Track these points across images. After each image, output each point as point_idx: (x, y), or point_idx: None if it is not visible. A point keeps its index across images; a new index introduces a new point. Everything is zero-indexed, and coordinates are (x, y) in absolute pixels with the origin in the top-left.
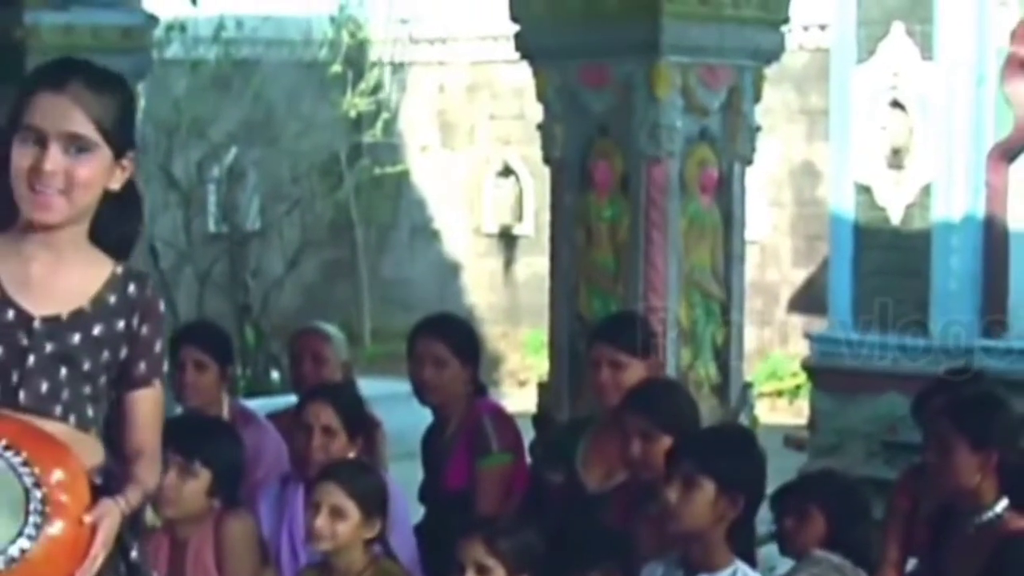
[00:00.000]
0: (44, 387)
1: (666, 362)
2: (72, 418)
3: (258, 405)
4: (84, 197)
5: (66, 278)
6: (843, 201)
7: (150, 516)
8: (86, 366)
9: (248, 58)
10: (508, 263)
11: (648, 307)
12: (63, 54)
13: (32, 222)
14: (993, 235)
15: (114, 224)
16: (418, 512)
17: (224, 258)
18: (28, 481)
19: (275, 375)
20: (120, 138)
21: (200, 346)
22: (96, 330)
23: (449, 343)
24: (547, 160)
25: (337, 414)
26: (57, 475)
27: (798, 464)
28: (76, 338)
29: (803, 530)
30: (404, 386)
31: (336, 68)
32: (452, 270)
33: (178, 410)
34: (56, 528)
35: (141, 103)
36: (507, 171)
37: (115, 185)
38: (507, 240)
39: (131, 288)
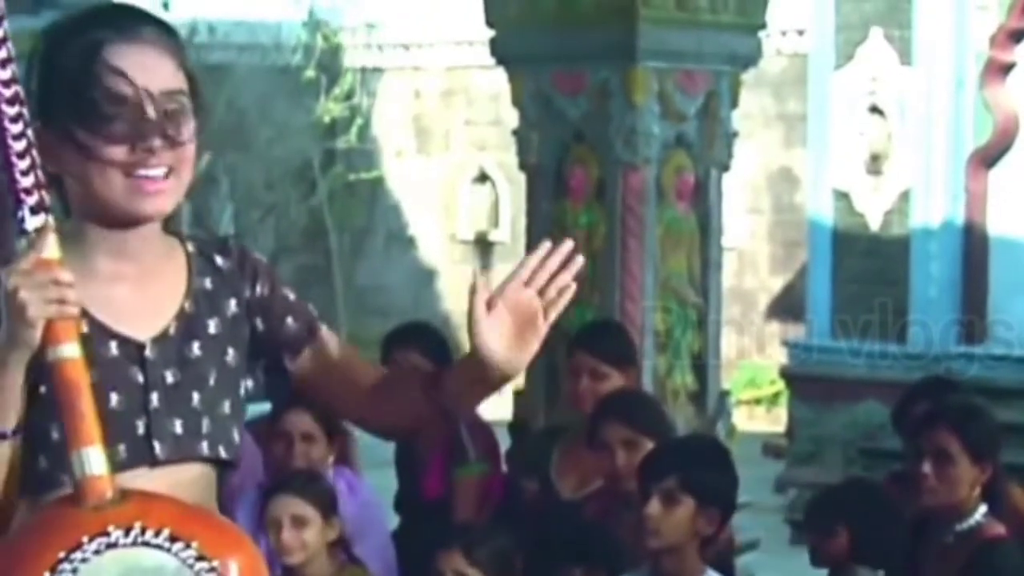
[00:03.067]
0: (178, 427)
1: (642, 370)
2: (221, 449)
3: None
4: (190, 174)
5: (156, 284)
6: (821, 207)
7: None
8: (214, 375)
9: (220, 63)
10: (484, 269)
11: (624, 314)
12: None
13: (131, 218)
14: (973, 241)
15: None
16: (393, 521)
17: None
18: None
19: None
20: (199, 92)
21: None
22: (212, 327)
23: (424, 352)
24: (523, 166)
25: (315, 420)
26: (237, 565)
27: (776, 472)
28: (195, 347)
29: (830, 543)
30: None
31: (309, 73)
32: (427, 277)
33: None
34: None
35: None
36: (483, 177)
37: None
38: (483, 246)
39: (220, 262)
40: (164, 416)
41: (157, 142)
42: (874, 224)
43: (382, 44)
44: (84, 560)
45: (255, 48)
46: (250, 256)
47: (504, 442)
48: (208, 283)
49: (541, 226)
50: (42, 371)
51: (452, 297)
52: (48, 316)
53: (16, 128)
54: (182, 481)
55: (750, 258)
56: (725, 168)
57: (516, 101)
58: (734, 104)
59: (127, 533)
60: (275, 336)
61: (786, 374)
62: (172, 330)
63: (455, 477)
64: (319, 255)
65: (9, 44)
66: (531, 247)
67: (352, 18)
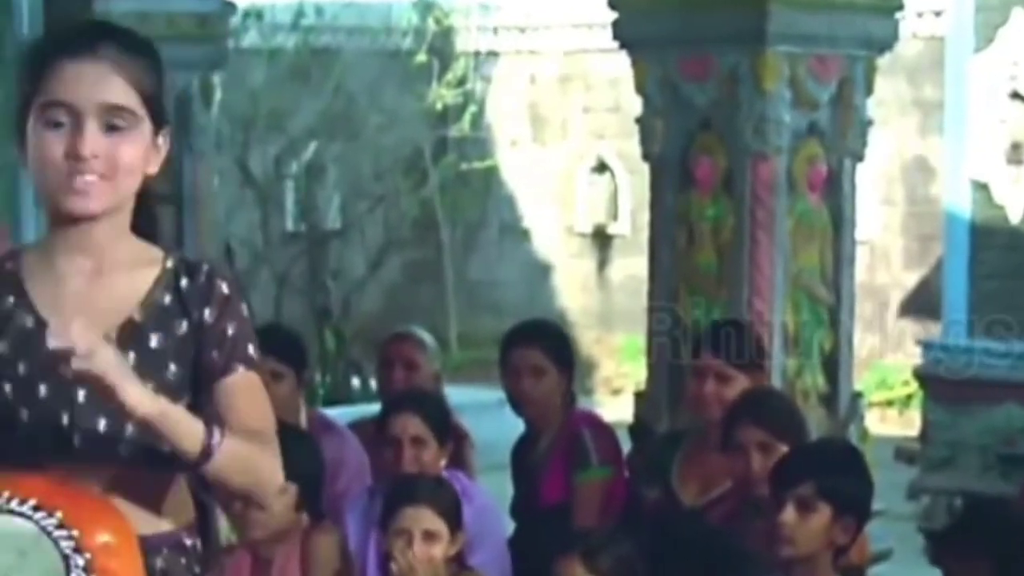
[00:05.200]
0: (102, 425)
1: (771, 370)
2: (142, 458)
3: (338, 414)
4: (128, 182)
5: (109, 286)
6: (958, 199)
7: (225, 531)
8: (151, 388)
9: (328, 47)
10: (602, 264)
11: (753, 312)
12: None
13: (67, 214)
14: None
15: (153, 210)
16: (509, 527)
17: (303, 259)
18: (66, 546)
19: (355, 382)
20: (160, 109)
21: (274, 354)
22: (154, 341)
23: (547, 351)
24: (646, 156)
25: (425, 423)
26: (102, 537)
27: (909, 478)
28: (131, 357)
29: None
30: (492, 394)
31: (421, 58)
32: (543, 272)
33: None
34: None
35: (217, 95)
36: (601, 167)
37: (153, 168)
38: (601, 240)
39: (183, 282)
40: (88, 413)
41: (88, 150)
42: (1014, 217)
43: (496, 27)
44: None
45: (364, 31)
46: (216, 283)
47: (625, 445)
48: (167, 299)
49: (664, 219)
50: None
51: (569, 293)
52: None
53: None
54: (119, 481)
55: (883, 252)
56: (859, 158)
57: (639, 87)
58: (869, 90)
59: None
60: (199, 363)
61: (920, 375)
62: (113, 335)
63: (576, 482)
64: (429, 249)
65: None
66: (654, 241)
67: (465, 0)
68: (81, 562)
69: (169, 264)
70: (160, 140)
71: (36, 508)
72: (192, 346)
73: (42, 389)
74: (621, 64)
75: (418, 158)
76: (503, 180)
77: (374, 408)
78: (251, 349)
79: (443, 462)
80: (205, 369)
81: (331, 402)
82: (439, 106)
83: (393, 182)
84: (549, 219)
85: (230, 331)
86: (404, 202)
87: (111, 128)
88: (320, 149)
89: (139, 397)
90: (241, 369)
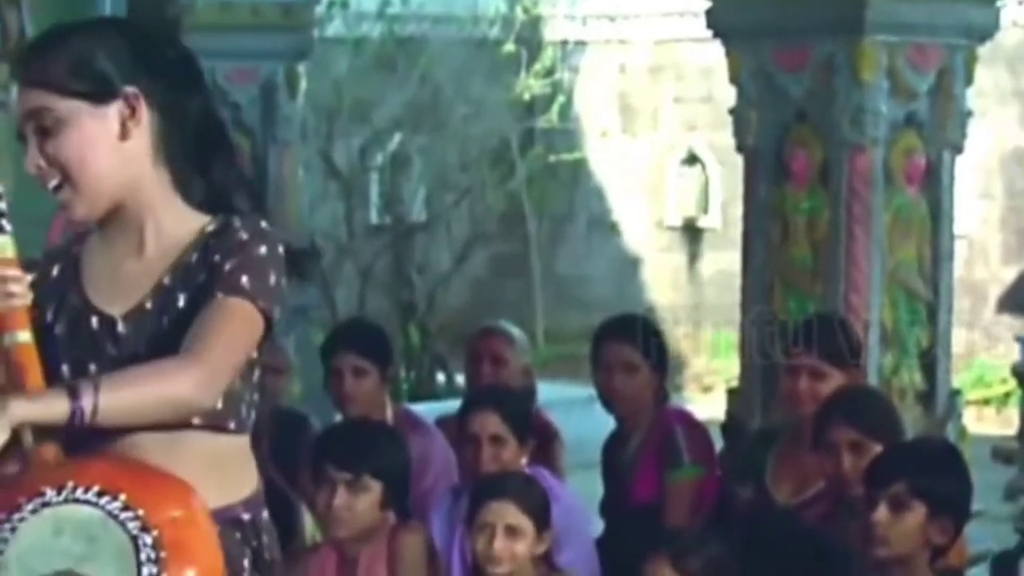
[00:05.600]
0: None
1: (867, 367)
2: (197, 420)
3: (423, 410)
4: (89, 172)
5: (148, 260)
6: None
7: (309, 529)
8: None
9: (414, 36)
10: (692, 258)
11: (848, 308)
12: (219, 33)
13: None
14: None
15: (194, 173)
16: (598, 527)
17: (387, 252)
18: (133, 527)
19: (441, 378)
20: (88, 84)
21: (358, 351)
22: (181, 300)
23: (639, 347)
24: (739, 148)
25: (504, 421)
26: (169, 512)
27: (1006, 478)
28: (164, 321)
29: None
30: (580, 390)
31: (508, 47)
32: (631, 266)
33: (337, 419)
34: (178, 574)
35: (302, 85)
36: (692, 159)
37: (133, 137)
38: (691, 233)
39: (211, 241)
40: None
41: (31, 167)
42: None
43: (586, 16)
44: (22, 519)
45: (451, 20)
46: (237, 232)
47: (717, 444)
48: (194, 258)
49: (758, 212)
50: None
51: (658, 288)
52: None
53: None
54: (171, 459)
55: (981, 247)
56: (958, 150)
57: (733, 78)
58: (968, 80)
59: (59, 492)
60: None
61: (1018, 372)
62: (148, 304)
63: (667, 480)
64: (516, 242)
65: None
66: (747, 235)
67: None
68: (149, 540)
69: (209, 228)
70: (120, 104)
71: (100, 493)
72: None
73: (91, 369)
74: (713, 53)
75: (505, 150)
76: (591, 172)
77: (459, 404)
78: (244, 280)
79: (523, 460)
80: (200, 301)
81: (416, 398)
82: (527, 96)
83: (479, 174)
84: (638, 212)
85: (227, 266)
86: (490, 195)
87: (42, 133)
88: (405, 140)
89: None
90: (219, 295)
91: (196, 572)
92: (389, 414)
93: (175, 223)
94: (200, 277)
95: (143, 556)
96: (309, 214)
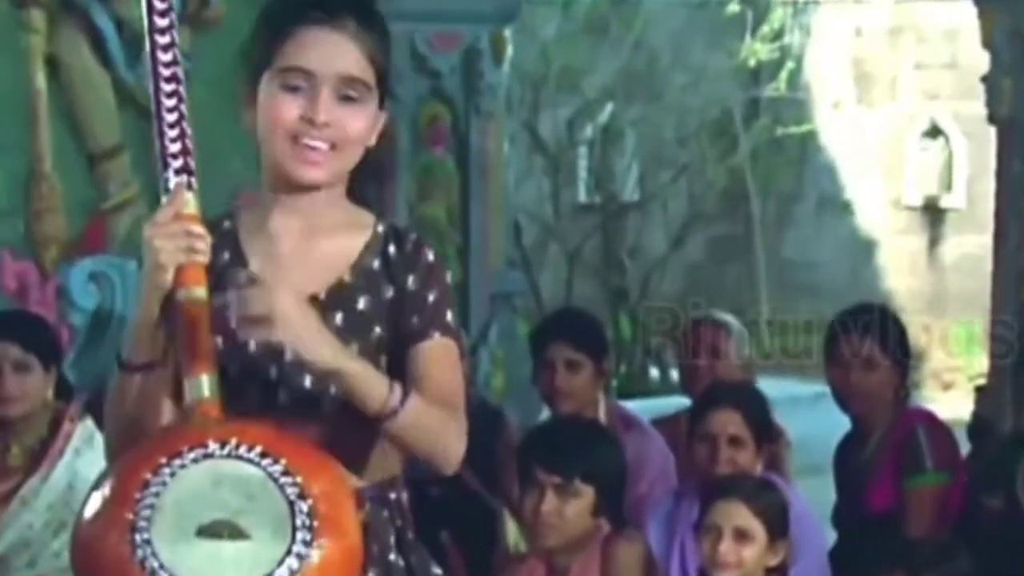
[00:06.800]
0: (307, 381)
1: None
2: (344, 415)
3: (635, 407)
4: (353, 154)
5: (320, 247)
6: None
7: (512, 536)
8: (355, 348)
9: None
10: (933, 242)
11: None
12: None
13: (293, 181)
14: None
15: (373, 178)
16: (830, 536)
17: (597, 234)
18: (291, 492)
19: (654, 372)
20: (386, 84)
21: (572, 342)
22: (362, 303)
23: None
24: (991, 119)
25: (745, 421)
26: (322, 486)
27: None
28: (338, 318)
29: None
30: (806, 387)
31: (732, 8)
32: (866, 249)
33: (544, 415)
34: (326, 546)
35: (508, 51)
36: (934, 131)
37: (372, 141)
38: (933, 214)
39: (391, 249)
40: (295, 370)
41: (322, 117)
42: None
43: None
44: (182, 466)
45: None
46: (422, 251)
47: (963, 447)
48: (376, 264)
49: (1012, 190)
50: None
51: (895, 274)
52: (178, 262)
53: (171, 103)
54: (323, 436)
55: None
56: None
57: (986, 41)
58: None
59: (223, 446)
60: (398, 328)
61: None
62: (323, 296)
63: (907, 487)
64: (738, 223)
65: (174, 31)
66: (999, 215)
67: None
68: (305, 508)
69: (380, 230)
70: (382, 114)
71: (263, 455)
72: (395, 311)
73: (251, 345)
74: (960, 14)
75: (727, 121)
76: (822, 146)
77: (674, 401)
78: (449, 316)
79: (759, 466)
80: (403, 334)
81: (626, 394)
82: (752, 63)
83: (699, 148)
84: (873, 190)
85: (431, 298)
86: (710, 171)
87: (345, 99)
88: (617, 111)
89: (319, 349)
90: (437, 335)
91: (342, 547)
92: (602, 412)
93: (342, 213)
94: (385, 291)
95: (299, 521)
96: (513, 192)
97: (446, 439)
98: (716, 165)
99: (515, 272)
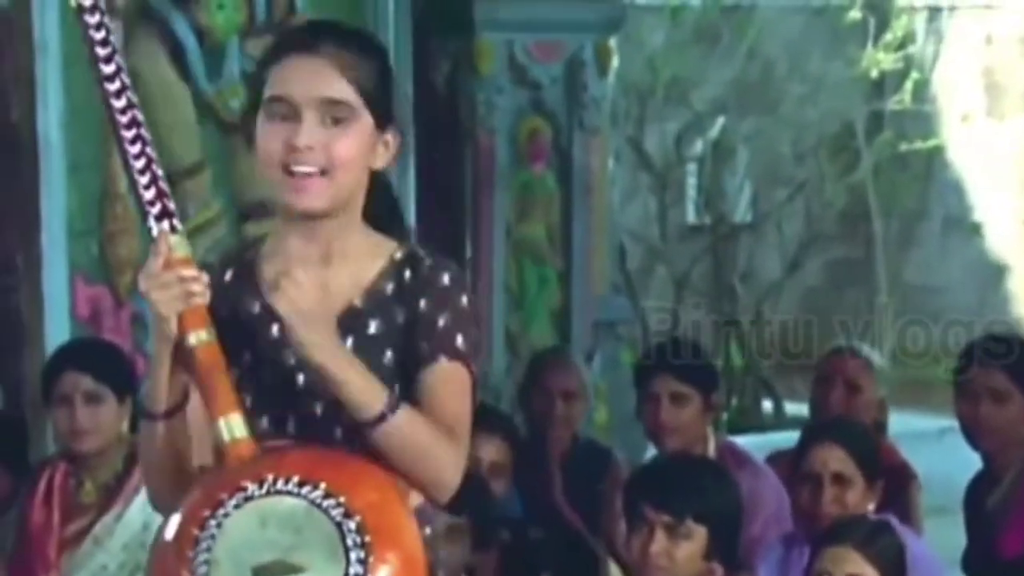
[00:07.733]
0: (319, 408)
1: None
2: (357, 442)
3: (747, 443)
4: (347, 176)
5: (336, 274)
6: None
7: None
8: None
9: (740, 3)
10: None
11: None
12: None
13: (290, 211)
14: None
15: (389, 202)
16: None
17: (706, 257)
18: (336, 514)
19: (767, 405)
20: (383, 106)
21: (675, 374)
22: (372, 327)
23: (1015, 371)
24: None
25: (850, 457)
26: (366, 497)
27: None
28: (349, 342)
29: None
30: (931, 422)
31: (853, 14)
32: (995, 273)
33: (650, 453)
34: (383, 558)
35: (613, 62)
36: None
37: (379, 164)
38: None
39: (407, 274)
40: (305, 396)
41: (304, 141)
42: None
43: None
44: (226, 515)
45: None
46: (438, 275)
47: None
48: (389, 289)
49: None
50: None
51: None
52: (177, 310)
53: (135, 149)
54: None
55: None
56: None
57: None
58: None
59: (261, 485)
60: (408, 352)
61: None
62: (334, 319)
63: None
64: (858, 245)
65: (123, 75)
66: None
67: None
68: (353, 525)
69: (397, 256)
70: (388, 137)
71: (301, 484)
72: (407, 336)
73: (265, 375)
74: None
75: (848, 136)
76: (949, 162)
77: (789, 436)
78: (460, 341)
79: (872, 505)
80: (412, 358)
81: (737, 429)
82: (874, 73)
83: (816, 165)
84: (1004, 209)
85: (441, 322)
86: (829, 189)
87: (333, 122)
88: (729, 126)
89: (318, 342)
90: (444, 360)
91: (399, 555)
92: (712, 448)
93: (359, 240)
94: (398, 315)
95: (349, 541)
96: (616, 212)
97: (438, 462)
98: (835, 183)
99: (619, 298)
